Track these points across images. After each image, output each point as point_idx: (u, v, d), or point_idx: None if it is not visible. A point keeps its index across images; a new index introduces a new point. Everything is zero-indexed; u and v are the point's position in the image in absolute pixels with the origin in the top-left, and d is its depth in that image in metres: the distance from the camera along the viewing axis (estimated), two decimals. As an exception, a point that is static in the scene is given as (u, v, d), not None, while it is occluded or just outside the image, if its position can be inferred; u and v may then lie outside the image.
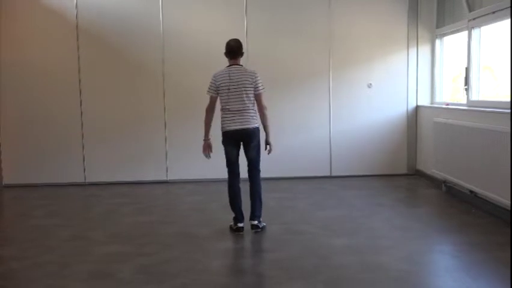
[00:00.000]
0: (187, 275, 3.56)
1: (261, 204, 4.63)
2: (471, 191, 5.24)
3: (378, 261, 3.76)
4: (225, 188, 4.66)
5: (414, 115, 7.07)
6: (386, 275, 3.48)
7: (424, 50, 6.95)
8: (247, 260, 4.10)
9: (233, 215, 4.63)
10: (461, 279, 3.42)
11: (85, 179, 6.98)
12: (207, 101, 4.62)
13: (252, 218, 4.60)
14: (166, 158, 7.02)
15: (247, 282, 3.53)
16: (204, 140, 4.65)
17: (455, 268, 3.69)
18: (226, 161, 4.62)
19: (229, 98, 4.49)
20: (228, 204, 4.65)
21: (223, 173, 4.71)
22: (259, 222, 4.62)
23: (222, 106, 4.55)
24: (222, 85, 4.50)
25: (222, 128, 4.56)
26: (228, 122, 4.51)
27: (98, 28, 6.84)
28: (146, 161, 7.01)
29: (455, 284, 3.35)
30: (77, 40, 6.82)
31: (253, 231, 4.57)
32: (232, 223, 4.64)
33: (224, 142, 4.58)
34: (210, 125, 4.62)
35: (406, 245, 4.14)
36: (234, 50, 4.56)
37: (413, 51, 6.97)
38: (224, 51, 4.59)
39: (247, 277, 3.63)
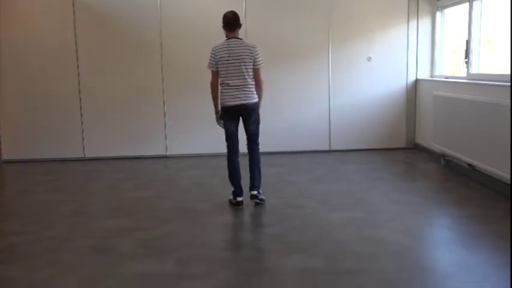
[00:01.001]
0: (186, 249, 3.57)
1: (260, 176, 4.61)
2: (469, 165, 5.23)
3: (377, 235, 3.76)
4: (224, 163, 4.64)
5: (414, 88, 7.01)
6: (385, 249, 3.49)
7: (424, 22, 6.84)
8: (246, 234, 4.11)
9: (232, 189, 4.63)
10: (459, 252, 3.43)
11: (84, 154, 6.96)
12: (206, 74, 4.55)
13: (251, 189, 4.58)
14: (166, 132, 6.98)
15: (247, 256, 3.54)
16: (215, 112, 4.62)
17: (453, 241, 3.70)
18: (226, 135, 4.58)
19: (228, 73, 4.42)
20: (228, 178, 4.63)
21: (222, 147, 4.68)
22: (259, 193, 4.61)
23: (221, 81, 4.48)
24: (221, 59, 4.43)
25: (221, 103, 4.50)
26: (228, 97, 4.45)
27: (94, 0, 6.71)
28: (145, 136, 6.98)
29: (452, 257, 3.35)
30: (74, 13, 6.69)
31: (253, 201, 4.57)
32: (231, 197, 4.64)
33: (223, 117, 4.54)
34: (218, 98, 4.56)
35: (404, 218, 4.14)
36: (231, 21, 4.47)
37: (413, 24, 6.86)
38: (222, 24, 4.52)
39: (247, 251, 3.64)
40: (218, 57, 4.43)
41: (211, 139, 6.64)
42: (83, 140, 6.94)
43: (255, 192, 4.58)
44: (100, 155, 6.94)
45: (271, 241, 3.79)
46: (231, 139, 4.57)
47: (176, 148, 7.00)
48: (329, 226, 4.00)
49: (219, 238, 3.87)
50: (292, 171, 5.91)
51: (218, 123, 4.64)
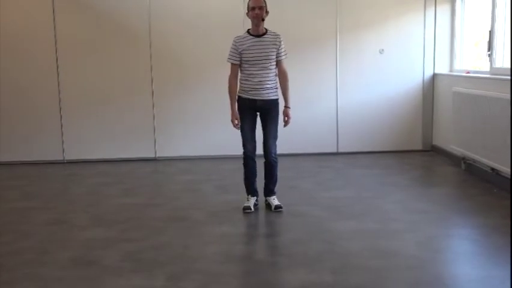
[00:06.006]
0: (178, 263, 3.57)
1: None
2: (493, 169, 5.24)
3: (390, 247, 3.77)
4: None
5: (431, 84, 7.03)
6: (399, 263, 3.50)
7: (443, 10, 6.86)
8: (244, 245, 4.11)
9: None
10: (482, 266, 3.44)
11: (63, 157, 6.96)
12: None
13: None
14: (154, 133, 6.99)
15: (245, 270, 3.54)
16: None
17: (475, 254, 3.71)
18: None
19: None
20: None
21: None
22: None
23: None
24: None
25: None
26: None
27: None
28: (132, 137, 6.98)
29: (473, 272, 3.36)
30: (53, 1, 6.71)
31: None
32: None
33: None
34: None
35: (421, 229, 4.15)
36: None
37: (430, 11, 6.88)
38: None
39: (245, 264, 3.65)
40: None
41: (205, 140, 6.65)
42: (62, 141, 6.95)
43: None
44: (81, 157, 6.95)
45: (272, 253, 3.80)
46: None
47: (167, 150, 7.00)
48: (336, 237, 4.01)
49: (214, 250, 3.87)
50: (295, 176, 5.93)
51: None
